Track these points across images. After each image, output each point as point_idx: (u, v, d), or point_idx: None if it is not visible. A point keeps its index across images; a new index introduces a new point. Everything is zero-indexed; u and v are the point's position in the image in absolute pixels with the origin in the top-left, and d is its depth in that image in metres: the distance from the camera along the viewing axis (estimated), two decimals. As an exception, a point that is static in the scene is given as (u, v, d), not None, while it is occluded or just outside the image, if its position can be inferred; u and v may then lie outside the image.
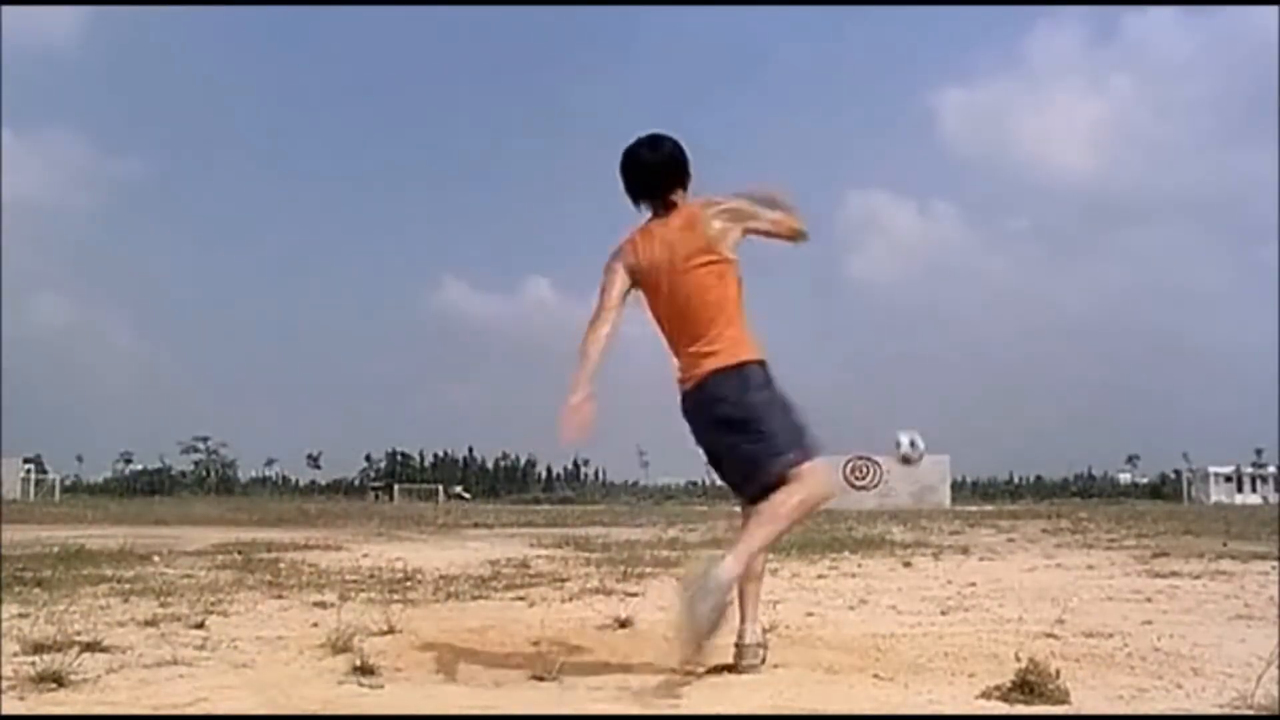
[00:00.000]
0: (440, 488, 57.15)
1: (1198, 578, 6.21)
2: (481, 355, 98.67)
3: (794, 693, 2.78)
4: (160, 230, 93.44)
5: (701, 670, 3.09)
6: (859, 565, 7.41)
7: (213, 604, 4.60)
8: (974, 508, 29.50)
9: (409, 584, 5.75)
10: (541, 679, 2.95)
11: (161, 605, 4.53)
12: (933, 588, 5.78)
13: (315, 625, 4.01)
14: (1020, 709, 2.58)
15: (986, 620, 4.32)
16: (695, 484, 61.96)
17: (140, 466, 67.78)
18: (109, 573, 6.00)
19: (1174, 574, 6.49)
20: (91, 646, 3.29)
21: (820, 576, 6.42)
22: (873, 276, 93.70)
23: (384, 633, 3.73)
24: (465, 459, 77.36)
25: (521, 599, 5.14)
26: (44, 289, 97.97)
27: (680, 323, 3.05)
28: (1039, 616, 4.34)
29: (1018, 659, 2.82)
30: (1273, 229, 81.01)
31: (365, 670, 2.99)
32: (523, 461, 78.33)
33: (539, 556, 8.03)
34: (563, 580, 6.02)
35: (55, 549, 7.70)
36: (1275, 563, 7.14)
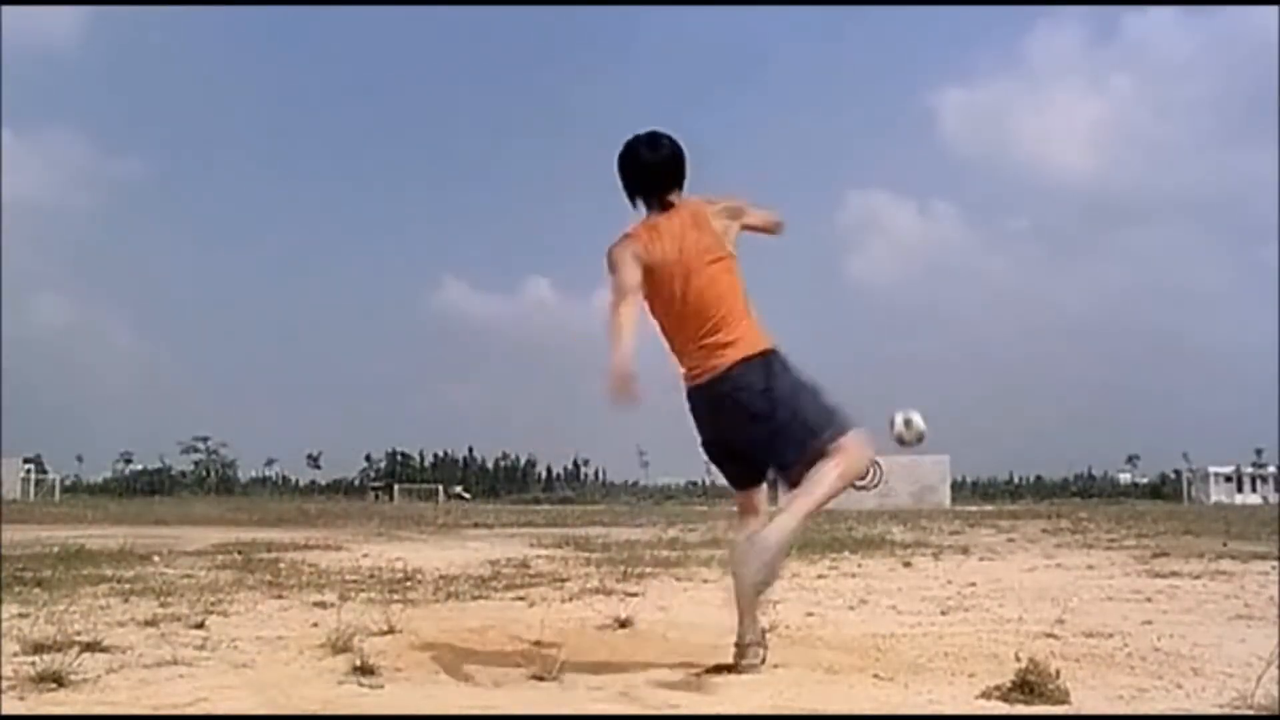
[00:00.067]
0: (440, 488, 57.15)
1: (1198, 578, 6.22)
2: (481, 355, 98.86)
3: (794, 693, 2.78)
4: (160, 230, 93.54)
5: (701, 670, 3.10)
6: (859, 565, 7.41)
7: (213, 604, 4.60)
8: (974, 508, 29.52)
9: (409, 584, 5.75)
10: (541, 679, 2.95)
11: (161, 605, 4.53)
12: (933, 588, 5.78)
13: (315, 625, 4.01)
14: (1020, 709, 2.58)
15: (986, 620, 4.32)
16: (695, 484, 62.01)
17: (140, 466, 67.83)
18: (109, 573, 6.00)
19: (1174, 574, 6.49)
20: (91, 646, 3.29)
21: (820, 576, 6.42)
22: (873, 276, 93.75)
23: (384, 633, 3.73)
24: (465, 459, 77.38)
25: (521, 599, 5.14)
26: (44, 289, 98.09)
27: (693, 318, 3.05)
28: (1039, 616, 4.34)
29: (1018, 659, 2.82)
30: (1273, 229, 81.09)
31: (365, 670, 2.99)
32: (523, 461, 78.42)
33: (539, 556, 8.03)
34: (563, 580, 6.02)
35: (55, 549, 7.70)
36: (1275, 563, 7.14)
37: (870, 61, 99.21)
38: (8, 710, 2.52)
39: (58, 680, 2.75)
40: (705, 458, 3.26)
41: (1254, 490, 51.37)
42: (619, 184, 3.23)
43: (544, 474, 78.22)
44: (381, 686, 2.86)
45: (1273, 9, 54.26)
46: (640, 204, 3.20)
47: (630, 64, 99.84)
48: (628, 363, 2.85)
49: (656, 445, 66.10)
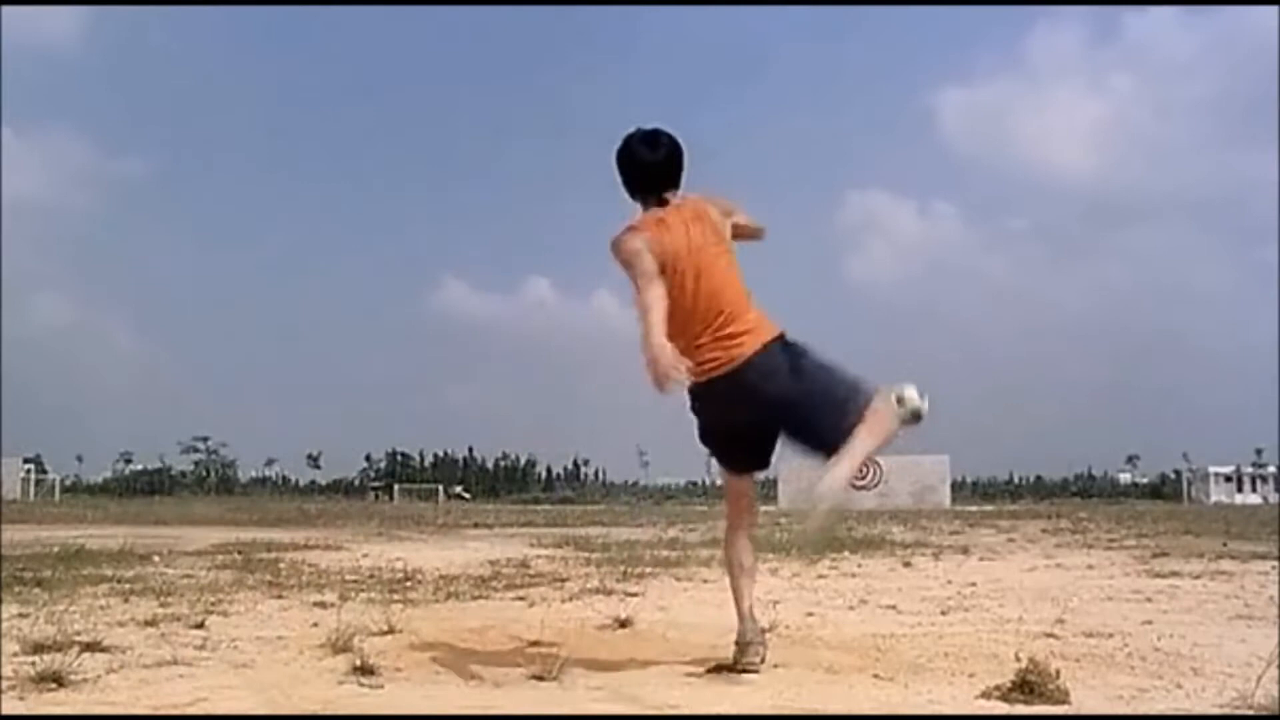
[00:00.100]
0: (440, 488, 57.14)
1: (1198, 578, 6.21)
2: (481, 355, 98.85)
3: (794, 693, 2.78)
4: (160, 230, 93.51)
5: (701, 670, 3.10)
6: (859, 565, 7.41)
7: (213, 604, 4.60)
8: (974, 508, 29.51)
9: (409, 584, 5.75)
10: (541, 679, 2.95)
11: (161, 605, 4.52)
12: (933, 588, 5.78)
13: (315, 625, 4.01)
14: (1020, 709, 2.58)
15: (986, 620, 4.32)
16: (695, 484, 62.10)
17: (140, 466, 67.80)
18: (109, 573, 6.00)
19: (1174, 574, 6.49)
20: (91, 646, 3.29)
21: (820, 576, 6.42)
22: (873, 276, 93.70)
23: (384, 633, 3.73)
24: (465, 459, 77.36)
25: (521, 599, 5.14)
26: (44, 289, 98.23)
27: (705, 311, 3.05)
28: (1039, 616, 4.34)
29: (1018, 659, 2.81)
30: (1273, 229, 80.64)
31: (365, 670, 2.99)
32: (523, 461, 78.38)
33: (539, 556, 8.02)
34: (563, 580, 6.02)
35: (55, 549, 7.69)
36: (1275, 563, 7.14)
37: (870, 61, 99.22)
38: (8, 710, 2.52)
39: (58, 680, 2.75)
40: (706, 447, 3.25)
41: (1254, 490, 51.39)
42: (617, 179, 3.24)
43: (544, 474, 78.22)
44: (381, 686, 2.86)
45: (1273, 9, 54.24)
46: (640, 199, 3.22)
47: (630, 64, 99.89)
48: (667, 345, 2.84)
49: (656, 445, 66.15)
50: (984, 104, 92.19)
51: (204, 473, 67.44)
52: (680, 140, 3.21)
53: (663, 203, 3.17)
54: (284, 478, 73.72)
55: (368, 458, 74.56)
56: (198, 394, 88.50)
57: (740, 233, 3.24)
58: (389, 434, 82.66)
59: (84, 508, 23.49)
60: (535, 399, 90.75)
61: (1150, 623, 4.20)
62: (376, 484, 67.10)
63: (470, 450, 77.45)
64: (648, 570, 6.60)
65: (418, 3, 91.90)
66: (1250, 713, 2.53)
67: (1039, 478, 70.29)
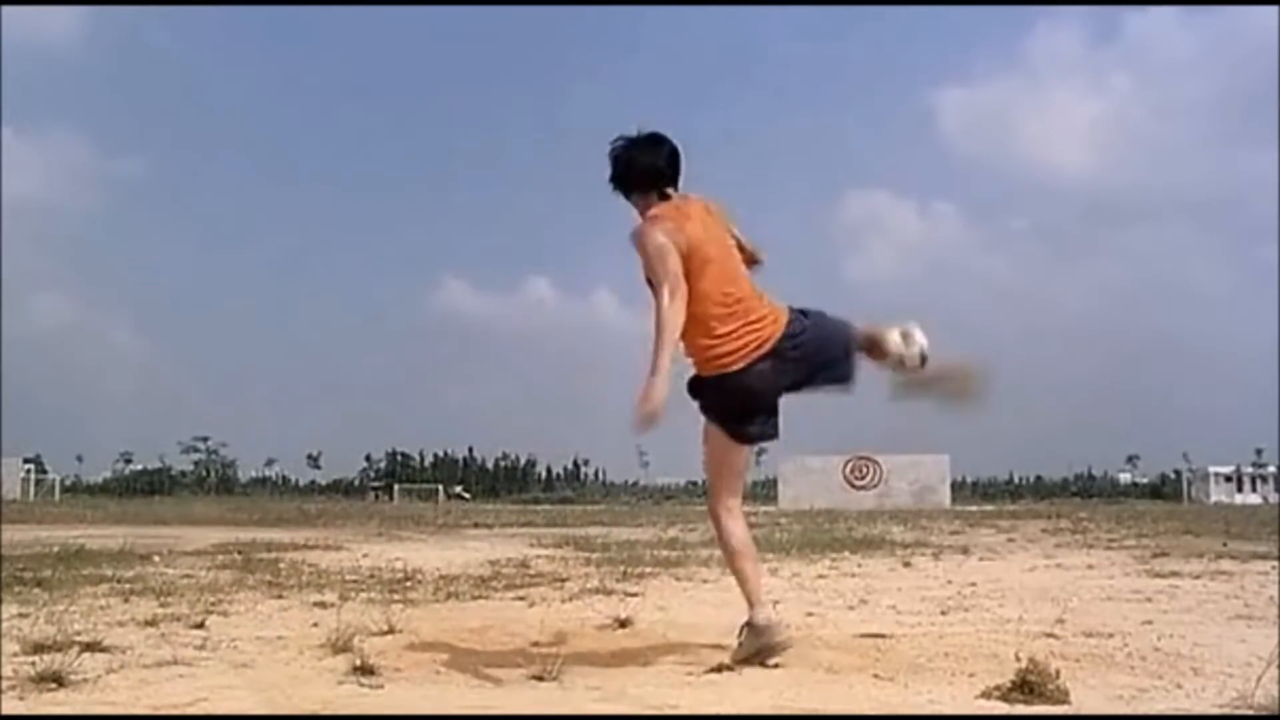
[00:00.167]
0: (440, 488, 57.14)
1: (1198, 578, 6.21)
2: (481, 355, 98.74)
3: (794, 693, 2.78)
4: (160, 230, 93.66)
5: (701, 670, 3.10)
6: (859, 565, 7.40)
7: (213, 604, 4.60)
8: (974, 508, 29.50)
9: (409, 584, 5.75)
10: (541, 679, 2.95)
11: (161, 605, 4.53)
12: (933, 588, 5.77)
13: (315, 625, 4.01)
14: (1020, 709, 2.58)
15: (986, 620, 4.32)
16: (695, 484, 61.95)
17: (140, 466, 67.81)
18: (109, 573, 6.00)
19: (1174, 574, 6.49)
20: (91, 646, 3.29)
21: (820, 576, 6.42)
22: (873, 276, 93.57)
23: (384, 633, 3.73)
24: (465, 459, 77.38)
25: (521, 599, 5.14)
26: (44, 289, 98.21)
27: (729, 297, 3.17)
28: (1039, 616, 4.34)
29: (1018, 659, 2.81)
30: (1273, 229, 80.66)
31: (365, 670, 2.99)
32: (523, 461, 78.44)
33: (539, 556, 8.02)
34: (563, 580, 6.02)
35: (55, 549, 7.69)
36: (1275, 563, 7.13)
37: (870, 61, 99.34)
38: (8, 710, 2.52)
39: (58, 680, 2.75)
40: (738, 427, 3.25)
41: (1254, 490, 51.36)
42: (607, 180, 3.29)
43: (544, 474, 78.25)
44: (381, 686, 2.86)
45: (1273, 9, 54.31)
46: (636, 198, 3.27)
47: (630, 63, 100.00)
48: (664, 395, 2.95)
49: (656, 445, 66.07)
50: (984, 104, 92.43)
51: (204, 473, 67.43)
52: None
53: (665, 196, 3.22)
54: (284, 478, 73.85)
55: (368, 458, 74.69)
56: (198, 394, 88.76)
57: (739, 249, 3.33)
58: (389, 434, 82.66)
59: (84, 508, 23.49)
60: (535, 399, 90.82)
61: (1150, 623, 4.20)
62: (376, 484, 67.08)
63: (470, 450, 77.59)
64: (648, 570, 6.60)
65: (417, 3, 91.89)
66: (1250, 713, 2.53)
67: (1039, 478, 70.38)
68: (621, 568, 6.67)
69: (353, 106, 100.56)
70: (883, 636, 3.82)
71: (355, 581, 5.84)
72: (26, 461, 45.66)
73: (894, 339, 3.38)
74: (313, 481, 72.65)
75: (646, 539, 10.49)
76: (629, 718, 2.59)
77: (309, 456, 72.87)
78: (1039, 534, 12.34)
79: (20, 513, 18.82)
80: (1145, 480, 67.73)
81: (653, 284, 3.09)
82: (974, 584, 5.95)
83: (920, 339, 3.42)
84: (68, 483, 55.82)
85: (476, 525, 15.22)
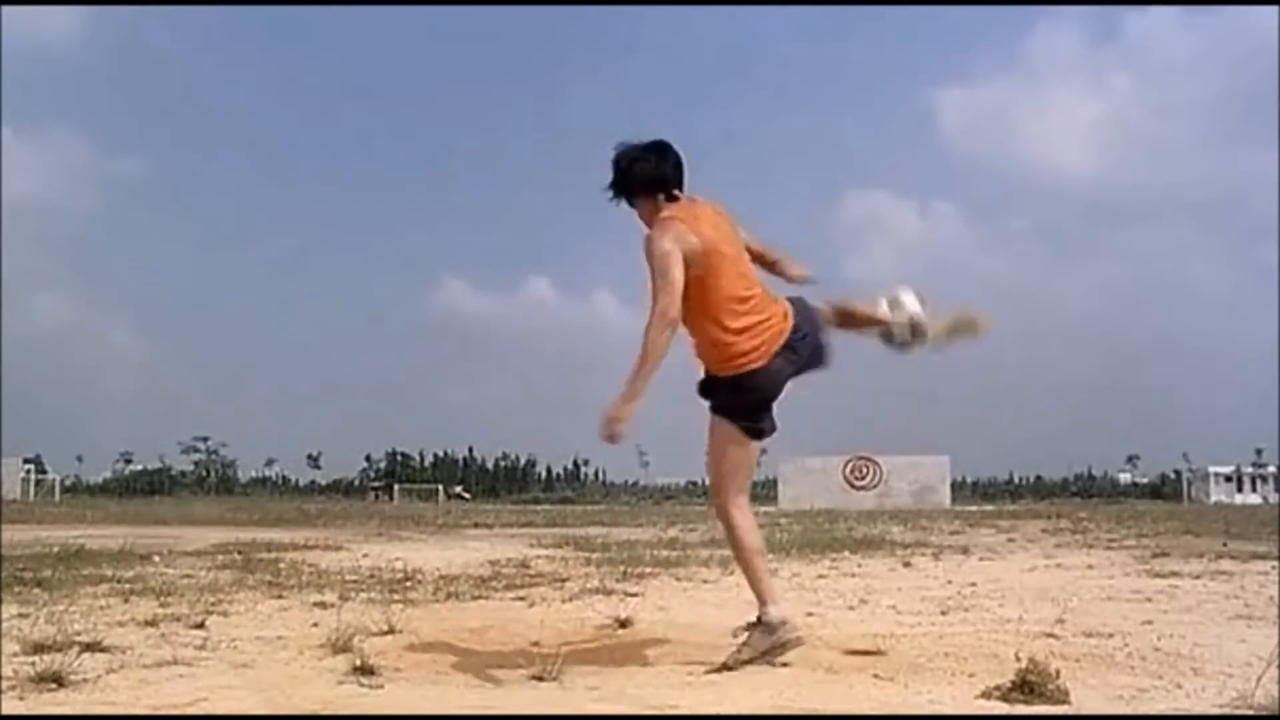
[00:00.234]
0: (440, 488, 57.16)
1: (1198, 578, 6.21)
2: (481, 355, 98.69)
3: (794, 693, 2.78)
4: (160, 230, 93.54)
5: (701, 670, 3.10)
6: (859, 565, 7.41)
7: (213, 604, 4.60)
8: (974, 508, 29.49)
9: (409, 584, 5.75)
10: (541, 679, 2.95)
11: (161, 605, 4.53)
12: (933, 588, 5.77)
13: (315, 625, 4.02)
14: (1020, 709, 2.58)
15: (986, 620, 4.32)
16: (695, 484, 61.98)
17: (140, 466, 67.75)
18: (109, 573, 6.00)
19: (1174, 574, 6.49)
20: (91, 646, 3.29)
21: (820, 576, 6.42)
22: (873, 277, 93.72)
23: (384, 633, 3.73)
24: (465, 459, 77.34)
25: (521, 599, 5.14)
26: (44, 289, 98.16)
27: (743, 295, 3.21)
28: (1039, 616, 4.34)
29: (1018, 659, 2.81)
30: (1273, 229, 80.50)
31: (365, 670, 2.99)
32: (523, 461, 78.40)
33: (539, 556, 8.02)
34: (563, 580, 6.02)
35: (55, 549, 7.70)
36: (1275, 563, 7.13)
37: (870, 61, 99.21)
38: (8, 710, 2.52)
39: (58, 680, 2.75)
40: (752, 423, 3.28)
41: (1254, 490, 51.35)
42: (620, 184, 3.28)
43: (544, 474, 78.23)
44: (381, 686, 2.86)
45: (1273, 9, 54.27)
46: (640, 202, 3.27)
47: (630, 63, 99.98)
48: (633, 415, 3.03)
49: (656, 445, 66.07)
50: (984, 104, 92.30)
51: (204, 473, 67.42)
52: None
53: (673, 199, 3.24)
54: (284, 478, 73.80)
55: (368, 458, 74.63)
56: (198, 394, 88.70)
57: (749, 251, 3.36)
58: (389, 434, 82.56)
59: (84, 508, 23.49)
60: (535, 399, 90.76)
61: (1150, 623, 4.20)
62: (376, 484, 67.07)
63: (470, 450, 77.54)
64: (648, 570, 6.60)
65: (418, 3, 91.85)
66: (1250, 713, 2.53)
67: (1039, 478, 70.35)
68: (621, 568, 6.67)
69: (353, 106, 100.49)
70: (883, 636, 3.82)
71: (355, 581, 5.84)
72: (26, 461, 45.65)
73: (881, 309, 3.41)
74: (313, 481, 72.70)
75: (646, 539, 10.49)
76: (629, 718, 2.59)
77: (309, 456, 72.92)
78: (1039, 534, 12.34)
79: (20, 513, 18.82)
80: (1145, 480, 67.71)
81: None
82: (974, 584, 5.95)
83: (910, 304, 3.41)
84: (68, 483, 55.80)
85: (476, 525, 15.22)
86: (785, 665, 3.13)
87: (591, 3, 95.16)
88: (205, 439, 67.52)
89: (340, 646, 3.35)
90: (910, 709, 2.62)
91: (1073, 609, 4.59)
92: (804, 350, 3.27)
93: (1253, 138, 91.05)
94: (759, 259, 3.40)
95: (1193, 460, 58.77)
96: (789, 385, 3.30)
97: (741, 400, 3.24)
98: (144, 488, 59.09)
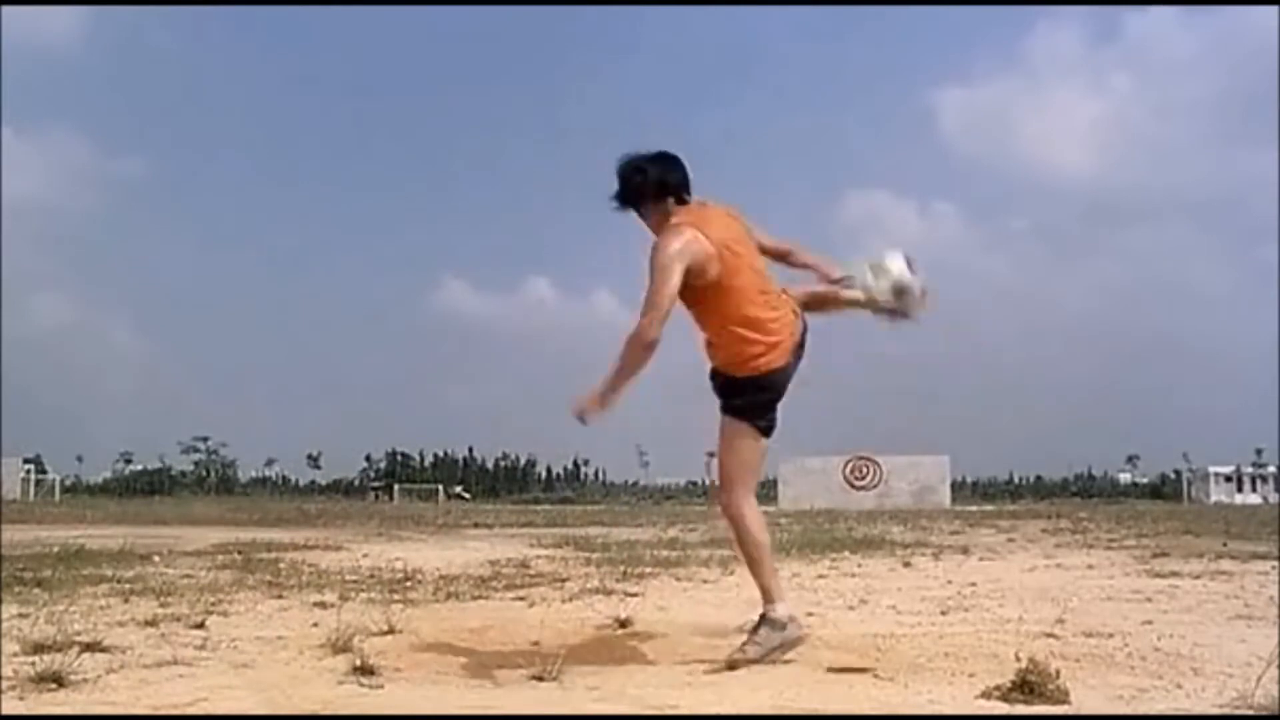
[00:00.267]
0: (440, 488, 57.16)
1: (1198, 578, 6.21)
2: (481, 355, 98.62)
3: (794, 693, 2.78)
4: (160, 230, 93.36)
5: (701, 670, 3.10)
6: (859, 565, 7.41)
7: (213, 604, 4.60)
8: (974, 508, 29.50)
9: (409, 584, 5.75)
10: (541, 679, 2.95)
11: (161, 605, 4.53)
12: (933, 588, 5.78)
13: (315, 625, 4.02)
14: (1020, 709, 2.58)
15: (986, 620, 4.32)
16: (695, 484, 62.04)
17: (140, 466, 67.68)
18: (109, 573, 6.00)
19: (1174, 574, 6.49)
20: (91, 646, 3.29)
21: (820, 576, 6.42)
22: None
23: (384, 633, 3.73)
24: (465, 459, 77.31)
25: (521, 599, 5.14)
26: (44, 289, 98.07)
27: (762, 296, 3.25)
28: (1039, 616, 4.34)
29: (1018, 659, 2.81)
30: (1273, 229, 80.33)
31: (365, 670, 2.99)
32: (523, 461, 78.35)
33: (539, 556, 8.02)
34: (563, 580, 6.02)
35: (55, 549, 7.70)
36: (1275, 563, 7.13)
37: (870, 61, 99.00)
38: (8, 710, 2.52)
39: (58, 680, 2.75)
40: (765, 421, 3.33)
41: (1254, 490, 51.36)
42: (626, 193, 3.30)
43: (544, 474, 78.20)
44: (381, 686, 2.86)
45: (1273, 9, 54.23)
46: (647, 209, 3.29)
47: (631, 63, 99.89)
48: (605, 412, 3.09)
49: (656, 445, 66.10)
50: (984, 104, 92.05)
51: (204, 473, 67.39)
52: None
53: (683, 203, 3.27)
54: (284, 478, 73.76)
55: (368, 458, 74.60)
56: (198, 394, 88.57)
57: (760, 245, 3.38)
58: (389, 434, 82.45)
59: (84, 508, 23.49)
60: (535, 399, 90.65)
61: (1150, 623, 4.20)
62: (376, 484, 67.07)
63: (470, 450, 77.51)
64: (648, 570, 6.60)
65: (418, 2, 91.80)
66: (1250, 713, 2.53)
67: (1039, 478, 70.33)
68: (621, 568, 6.67)
69: (352, 106, 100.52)
70: (883, 636, 3.82)
71: (355, 581, 5.84)
72: (26, 461, 45.65)
73: (865, 279, 3.40)
74: (313, 481, 72.67)
75: (646, 539, 10.49)
76: (629, 718, 2.59)
77: (309, 456, 72.88)
78: (1039, 534, 12.35)
79: (20, 513, 18.82)
80: (1145, 480, 67.70)
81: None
82: (974, 584, 5.95)
83: (895, 269, 3.37)
84: (68, 483, 55.80)
85: (476, 525, 15.22)
86: (785, 665, 3.14)
87: (591, 3, 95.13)
88: (205, 439, 67.60)
89: (340, 646, 3.35)
90: (910, 709, 2.62)
91: (1073, 609, 4.59)
92: (800, 355, 3.32)
93: (1253, 138, 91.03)
94: (777, 257, 3.45)
95: (1193, 460, 58.87)
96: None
97: (759, 399, 3.28)
98: (144, 488, 59.07)
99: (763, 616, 3.17)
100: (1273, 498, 44.72)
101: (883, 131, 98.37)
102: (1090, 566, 7.28)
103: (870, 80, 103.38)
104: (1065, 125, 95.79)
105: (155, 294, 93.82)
